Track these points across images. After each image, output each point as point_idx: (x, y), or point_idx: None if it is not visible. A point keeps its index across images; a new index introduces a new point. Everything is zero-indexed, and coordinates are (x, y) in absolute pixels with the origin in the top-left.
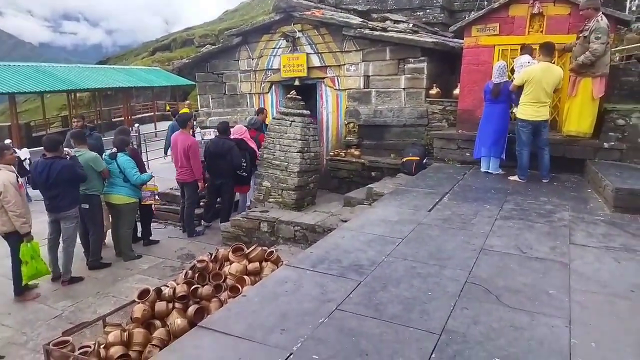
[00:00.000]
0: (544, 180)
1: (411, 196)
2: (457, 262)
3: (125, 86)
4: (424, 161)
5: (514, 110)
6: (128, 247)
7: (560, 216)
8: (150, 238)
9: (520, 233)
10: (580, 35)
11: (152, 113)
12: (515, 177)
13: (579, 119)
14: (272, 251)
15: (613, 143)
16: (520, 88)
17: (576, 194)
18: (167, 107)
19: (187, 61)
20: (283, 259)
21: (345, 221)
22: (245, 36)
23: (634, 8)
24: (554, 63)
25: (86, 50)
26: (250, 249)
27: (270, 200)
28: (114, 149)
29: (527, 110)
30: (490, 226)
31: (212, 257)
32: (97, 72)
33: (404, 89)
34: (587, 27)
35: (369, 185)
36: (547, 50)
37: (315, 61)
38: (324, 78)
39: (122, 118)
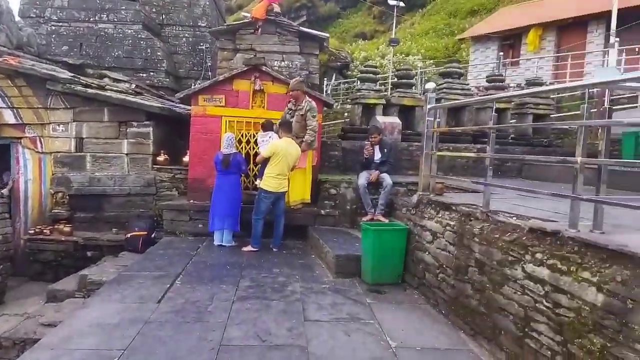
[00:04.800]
0: (274, 249)
1: (137, 283)
2: None
3: None
4: (153, 235)
5: (256, 182)
6: None
7: (292, 289)
8: None
9: (258, 316)
10: (296, 113)
11: None
12: (249, 247)
13: (304, 188)
14: None
15: (328, 210)
16: (266, 160)
17: (303, 261)
18: None
19: None
20: None
21: (49, 325)
22: None
23: (329, 91)
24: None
25: None
26: None
27: None
28: None
29: (272, 182)
30: (227, 313)
31: None
32: None
33: (127, 154)
34: (300, 106)
35: (83, 272)
36: (287, 127)
37: (9, 118)
38: (21, 138)
39: None
